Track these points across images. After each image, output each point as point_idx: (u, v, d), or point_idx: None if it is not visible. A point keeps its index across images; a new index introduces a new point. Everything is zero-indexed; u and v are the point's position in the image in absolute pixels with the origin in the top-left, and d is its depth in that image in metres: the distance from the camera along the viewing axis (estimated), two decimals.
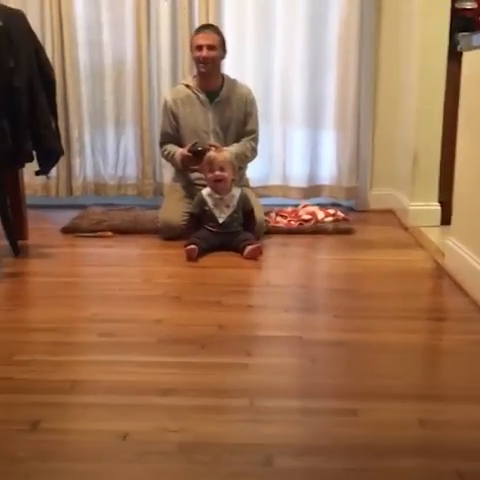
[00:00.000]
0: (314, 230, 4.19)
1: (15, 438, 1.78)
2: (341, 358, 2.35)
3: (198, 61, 4.02)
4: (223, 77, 4.13)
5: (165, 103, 4.16)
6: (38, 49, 3.33)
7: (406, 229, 4.19)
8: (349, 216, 4.45)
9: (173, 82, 4.68)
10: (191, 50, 4.12)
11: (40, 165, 3.47)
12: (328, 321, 2.71)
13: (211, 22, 4.47)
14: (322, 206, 4.58)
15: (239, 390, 2.05)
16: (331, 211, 4.44)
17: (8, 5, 3.34)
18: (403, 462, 1.68)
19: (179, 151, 4.02)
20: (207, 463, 1.66)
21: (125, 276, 3.34)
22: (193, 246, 3.56)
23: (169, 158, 4.16)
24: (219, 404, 1.98)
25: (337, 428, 1.84)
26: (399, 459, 1.69)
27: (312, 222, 4.28)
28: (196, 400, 2.00)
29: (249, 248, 3.56)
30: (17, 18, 3.20)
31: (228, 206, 3.76)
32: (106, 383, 2.12)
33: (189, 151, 3.92)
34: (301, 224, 4.26)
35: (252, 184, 4.42)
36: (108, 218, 4.38)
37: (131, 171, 4.94)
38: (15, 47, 3.08)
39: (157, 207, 4.32)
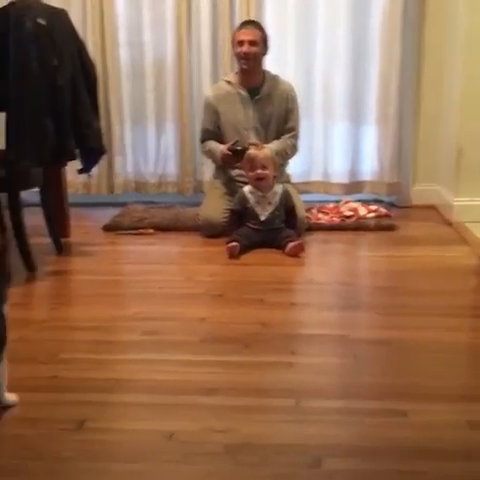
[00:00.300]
0: (356, 226, 4.15)
1: (60, 437, 1.79)
2: (385, 357, 2.32)
3: (239, 57, 4.01)
4: (264, 73, 4.10)
5: (206, 99, 4.15)
6: (81, 48, 3.34)
7: (450, 225, 4.12)
8: (391, 212, 4.39)
9: (213, 80, 4.66)
10: (233, 46, 4.11)
11: (82, 163, 3.48)
12: (371, 319, 2.68)
13: (252, 18, 4.44)
14: (364, 202, 4.53)
15: (284, 390, 2.03)
16: (373, 207, 4.40)
17: (51, 4, 3.34)
18: (453, 465, 1.65)
19: (219, 149, 4.00)
20: (254, 464, 1.65)
21: (166, 274, 3.35)
22: (235, 243, 3.55)
23: (210, 155, 4.15)
24: (264, 404, 1.96)
25: (384, 429, 1.80)
26: (448, 462, 1.66)
27: (354, 218, 4.24)
28: (241, 400, 1.98)
29: (291, 245, 3.54)
30: (60, 17, 3.21)
31: (270, 203, 3.74)
32: (149, 382, 2.11)
33: (229, 149, 3.91)
34: (343, 220, 4.22)
35: (293, 180, 4.39)
36: (149, 216, 4.39)
37: (171, 169, 4.94)
38: (58, 46, 3.09)
39: (197, 204, 4.32)
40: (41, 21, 3.00)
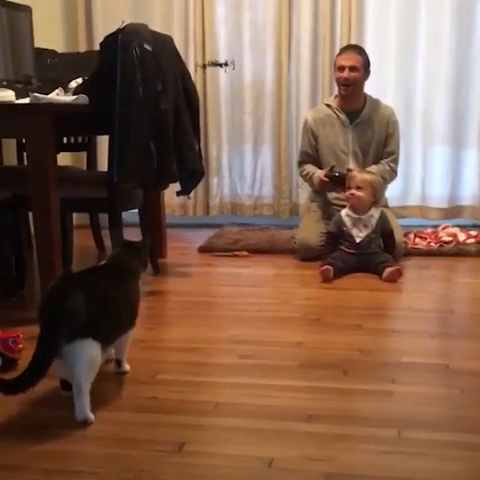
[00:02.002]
0: (455, 252, 4.06)
1: (160, 459, 1.78)
2: None
3: (339, 82, 3.99)
4: (365, 97, 4.07)
5: (306, 122, 4.16)
6: (183, 72, 3.41)
7: None
8: None
9: (312, 102, 4.68)
10: (334, 70, 4.09)
11: (182, 185, 3.53)
12: (476, 349, 2.58)
13: (352, 41, 4.44)
14: (463, 227, 4.43)
15: (385, 420, 1.98)
16: (473, 233, 4.29)
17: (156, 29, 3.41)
18: None
19: (317, 174, 3.99)
20: None
21: (262, 297, 3.34)
22: (328, 266, 3.52)
23: (307, 179, 4.15)
24: (365, 433, 1.91)
25: None
26: None
27: (453, 244, 4.14)
28: (341, 428, 1.94)
29: (389, 270, 3.48)
30: (165, 43, 3.29)
31: (366, 226, 3.70)
32: (249, 407, 2.10)
33: (326, 176, 3.89)
34: (441, 246, 4.13)
35: (390, 204, 4.33)
36: (244, 238, 4.41)
37: (267, 191, 4.98)
38: (163, 71, 3.16)
39: (292, 227, 4.31)
40: (147, 47, 3.08)
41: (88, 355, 1.92)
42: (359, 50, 4.08)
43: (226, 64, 4.79)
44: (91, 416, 1.93)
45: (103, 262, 2.35)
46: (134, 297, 2.24)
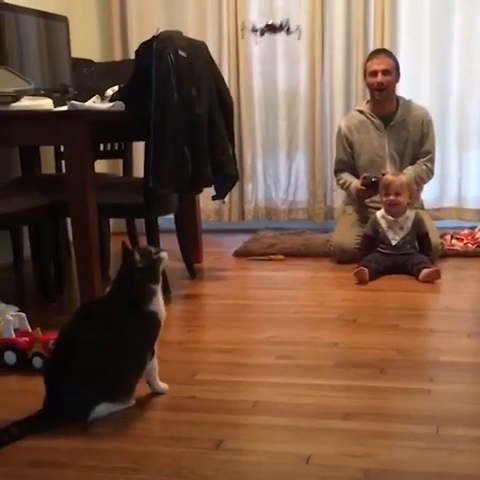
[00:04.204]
0: None
1: (199, 456, 1.81)
2: None
3: (372, 87, 3.99)
4: (398, 100, 4.07)
5: (339, 130, 4.16)
6: (218, 78, 3.45)
7: None
8: None
9: (346, 108, 4.69)
10: (364, 76, 4.09)
11: (217, 190, 3.56)
12: None
13: (386, 45, 4.44)
14: None
15: (423, 417, 1.98)
16: None
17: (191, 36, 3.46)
18: None
19: (353, 184, 4.00)
20: None
21: (298, 299, 3.36)
22: (363, 268, 3.52)
23: (344, 188, 4.15)
24: (403, 430, 1.91)
25: None
26: None
27: None
28: (378, 425, 1.94)
29: (426, 271, 3.47)
30: (200, 49, 3.33)
31: (402, 228, 3.69)
32: (285, 405, 2.11)
33: (362, 184, 3.90)
34: (478, 247, 4.10)
35: (426, 206, 4.32)
36: (279, 242, 4.43)
37: (302, 195, 4.99)
38: (197, 77, 3.20)
39: (327, 231, 4.32)
40: (182, 53, 3.12)
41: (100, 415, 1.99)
42: (389, 53, 4.09)
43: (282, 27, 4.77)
44: None
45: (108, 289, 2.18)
46: (136, 337, 2.06)
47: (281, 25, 4.83)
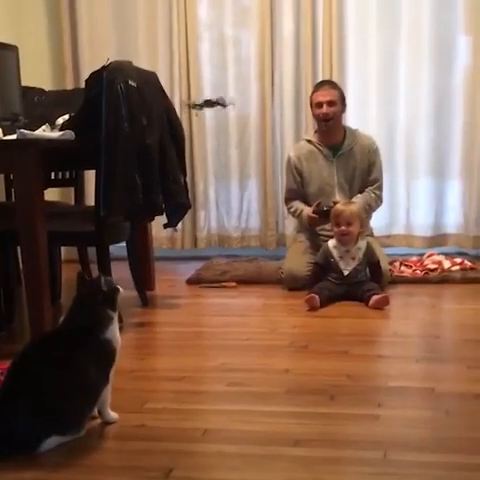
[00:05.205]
0: (441, 279, 4.10)
1: None
2: (478, 412, 2.25)
3: (319, 118, 4.06)
4: (345, 129, 4.14)
5: (289, 160, 4.21)
6: (169, 108, 3.47)
7: None
8: (477, 265, 4.32)
9: (296, 136, 4.75)
10: (311, 107, 4.15)
11: (168, 218, 3.57)
12: (461, 372, 2.61)
13: (335, 77, 4.55)
14: (448, 255, 4.48)
15: (371, 442, 2.00)
16: (458, 260, 4.34)
17: (142, 66, 3.48)
18: None
19: (305, 211, 4.04)
20: None
21: (250, 326, 3.37)
22: (313, 295, 3.55)
23: (295, 216, 4.19)
24: (351, 456, 1.93)
25: None
26: None
27: (438, 271, 4.19)
28: (328, 451, 1.96)
29: (375, 298, 3.52)
30: (150, 79, 3.36)
31: (354, 258, 3.73)
32: (237, 432, 2.11)
33: (314, 212, 3.94)
34: (427, 273, 4.18)
35: (375, 233, 4.38)
36: (232, 269, 4.45)
37: (254, 223, 5.03)
38: (147, 106, 3.22)
39: (279, 258, 4.35)
40: (132, 83, 3.13)
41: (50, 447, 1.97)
42: (333, 84, 4.16)
43: (219, 103, 4.86)
44: None
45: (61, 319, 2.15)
46: (88, 373, 2.04)
47: None
